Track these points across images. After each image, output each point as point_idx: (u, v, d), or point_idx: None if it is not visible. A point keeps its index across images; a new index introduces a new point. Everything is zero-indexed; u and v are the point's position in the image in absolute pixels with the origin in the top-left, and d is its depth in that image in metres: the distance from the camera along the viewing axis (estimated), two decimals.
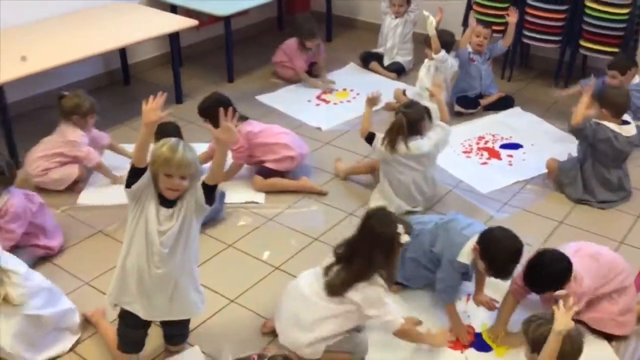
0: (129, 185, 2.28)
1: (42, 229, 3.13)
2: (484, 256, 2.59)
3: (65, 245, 3.26)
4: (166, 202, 2.32)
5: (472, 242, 2.64)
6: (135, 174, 2.27)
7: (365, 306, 2.42)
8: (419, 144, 3.37)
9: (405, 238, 2.41)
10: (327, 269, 2.48)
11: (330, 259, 2.51)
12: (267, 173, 3.73)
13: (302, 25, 4.97)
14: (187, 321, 2.60)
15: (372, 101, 3.55)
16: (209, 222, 3.39)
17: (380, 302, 2.42)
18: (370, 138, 3.48)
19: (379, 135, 3.44)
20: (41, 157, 3.62)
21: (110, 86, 4.90)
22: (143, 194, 2.31)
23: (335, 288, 2.42)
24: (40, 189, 3.60)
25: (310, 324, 2.45)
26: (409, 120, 3.33)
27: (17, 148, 3.87)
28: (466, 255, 2.65)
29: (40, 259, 3.14)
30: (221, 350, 2.64)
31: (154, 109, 2.24)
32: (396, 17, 5.18)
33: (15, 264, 2.58)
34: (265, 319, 2.80)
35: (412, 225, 2.50)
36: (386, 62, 5.28)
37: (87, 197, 3.65)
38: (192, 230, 2.39)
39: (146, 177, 2.28)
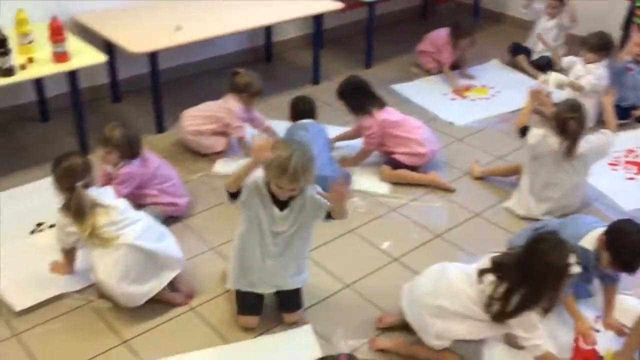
0: (233, 197, 2.40)
1: (164, 189, 3.24)
2: (609, 247, 2.48)
3: (196, 210, 3.42)
4: (279, 202, 2.42)
5: (598, 231, 2.56)
6: (231, 194, 2.39)
7: (516, 326, 2.33)
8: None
9: (575, 269, 2.26)
10: (481, 274, 2.38)
11: (485, 263, 2.40)
12: (396, 165, 3.69)
13: (460, 21, 4.94)
14: (299, 290, 2.67)
15: (535, 95, 3.45)
16: None
17: (533, 326, 2.33)
18: (524, 130, 3.35)
19: (536, 131, 3.31)
20: (198, 116, 3.83)
21: (252, 62, 5.05)
22: (251, 200, 2.42)
23: (501, 315, 2.31)
24: (186, 149, 3.83)
25: (451, 317, 2.39)
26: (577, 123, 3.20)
27: (164, 114, 4.10)
28: (590, 241, 2.55)
29: (172, 219, 3.30)
30: (332, 333, 2.65)
31: (264, 148, 2.29)
32: (551, 19, 4.96)
33: (113, 198, 2.71)
34: (378, 308, 2.78)
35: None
36: (535, 56, 5.09)
37: (223, 166, 3.79)
38: (309, 231, 2.53)
39: (249, 188, 2.38)
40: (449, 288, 2.42)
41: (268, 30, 5.04)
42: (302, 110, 3.63)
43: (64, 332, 2.64)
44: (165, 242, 2.77)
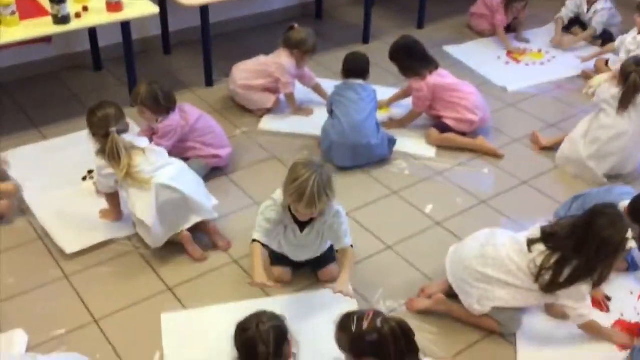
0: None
1: (205, 141, 3.27)
2: (631, 217, 2.42)
3: (240, 165, 3.45)
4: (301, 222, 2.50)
5: (627, 202, 2.51)
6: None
7: (564, 297, 2.32)
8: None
9: (631, 244, 2.23)
10: (531, 244, 2.35)
11: (535, 233, 2.38)
12: (444, 129, 3.63)
13: None
14: (330, 248, 2.70)
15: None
16: (375, 163, 3.43)
17: (581, 297, 2.31)
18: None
19: (601, 76, 3.33)
20: (249, 70, 3.82)
21: (302, 18, 4.98)
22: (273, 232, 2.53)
23: (551, 286, 2.30)
24: (233, 104, 3.86)
25: (495, 284, 2.38)
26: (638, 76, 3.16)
27: (213, 68, 4.11)
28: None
29: (217, 172, 3.34)
30: (371, 293, 2.67)
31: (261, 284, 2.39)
32: None
33: (148, 143, 2.80)
34: (418, 271, 2.79)
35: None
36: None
37: (269, 123, 3.80)
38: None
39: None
40: (497, 254, 2.40)
41: None
42: (354, 68, 3.53)
43: (111, 276, 2.73)
44: (198, 189, 2.83)
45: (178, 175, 2.75)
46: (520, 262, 2.35)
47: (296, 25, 3.80)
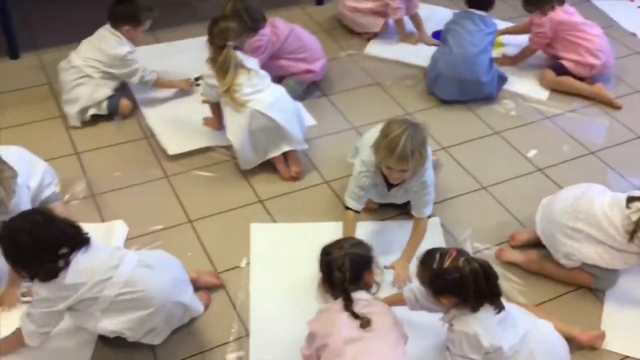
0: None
1: (297, 57, 3.22)
2: None
3: (341, 88, 3.41)
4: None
5: None
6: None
7: None
8: None
9: None
10: (631, 201, 2.23)
11: (637, 192, 2.26)
12: (561, 71, 3.41)
13: None
14: None
15: None
16: (481, 100, 3.30)
17: None
18: None
19: None
20: None
21: None
22: None
23: None
24: (342, 25, 3.81)
25: (584, 240, 2.28)
26: None
27: None
28: None
29: (316, 91, 3.34)
30: (460, 231, 2.63)
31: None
32: None
33: (256, 65, 2.80)
34: (512, 216, 2.70)
35: None
36: None
37: (375, 48, 3.72)
38: None
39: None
40: (589, 208, 2.28)
41: None
42: None
43: (208, 182, 2.83)
44: (293, 117, 2.81)
45: (275, 102, 2.75)
46: (614, 218, 2.22)
47: None
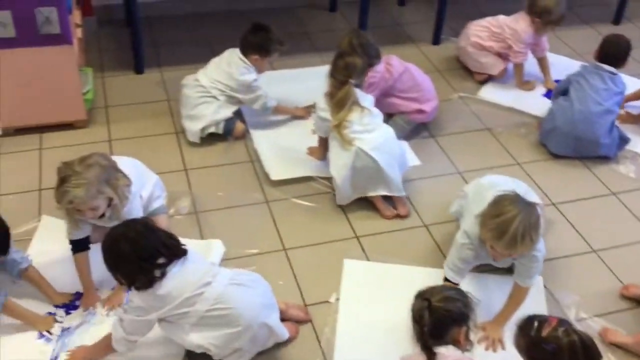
0: None
1: (410, 95, 3.18)
2: None
3: (450, 130, 3.34)
4: None
5: None
6: None
7: None
8: None
9: None
10: None
11: None
12: None
13: None
14: None
15: None
16: (598, 158, 3.13)
17: None
18: None
19: None
20: (485, 28, 3.61)
21: None
22: None
23: None
24: (457, 66, 3.74)
25: None
26: None
27: (443, 25, 4.00)
28: None
29: (423, 131, 3.29)
30: (564, 295, 2.47)
31: None
32: None
33: (370, 104, 2.77)
34: (622, 285, 2.52)
35: None
36: None
37: (489, 92, 3.63)
38: None
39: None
40: None
41: None
42: (612, 53, 3.13)
43: (306, 211, 2.83)
44: (396, 162, 2.77)
45: (382, 144, 2.72)
46: None
47: None
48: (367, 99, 2.80)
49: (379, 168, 2.70)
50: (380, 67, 3.11)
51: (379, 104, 3.06)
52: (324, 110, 2.77)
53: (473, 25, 3.67)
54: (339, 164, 2.74)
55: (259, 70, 3.15)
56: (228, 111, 3.14)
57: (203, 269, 2.04)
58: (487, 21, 3.64)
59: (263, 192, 2.92)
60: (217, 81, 3.10)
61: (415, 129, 3.28)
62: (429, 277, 2.39)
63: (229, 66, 3.10)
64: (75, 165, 2.12)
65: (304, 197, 2.90)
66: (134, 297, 1.98)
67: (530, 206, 2.11)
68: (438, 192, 2.93)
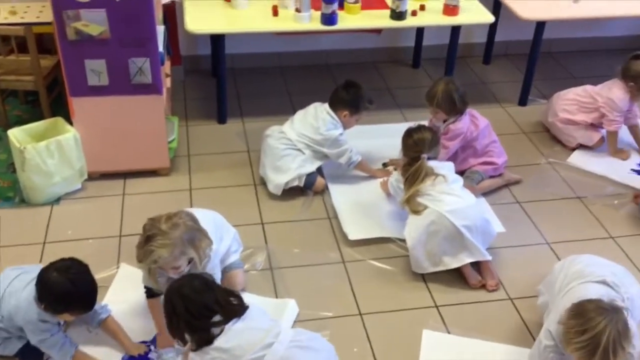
0: None
1: (487, 150, 3.15)
2: None
3: (537, 196, 3.19)
4: None
5: None
6: None
7: None
8: None
9: None
10: None
11: None
12: None
13: None
14: None
15: None
16: None
17: None
18: None
19: None
20: (574, 102, 3.47)
21: None
22: None
23: None
24: (544, 129, 3.61)
25: None
26: None
27: (530, 86, 3.88)
28: None
29: (509, 197, 3.16)
30: None
31: None
32: None
33: (450, 171, 2.73)
34: None
35: None
36: None
37: (580, 158, 3.46)
38: None
39: None
40: None
41: None
42: None
43: (384, 274, 2.73)
44: (477, 230, 2.63)
45: (461, 209, 2.61)
46: None
47: None
48: (445, 167, 2.75)
49: (457, 232, 2.59)
50: (465, 119, 3.08)
51: (456, 156, 3.08)
52: (399, 180, 2.77)
53: (559, 99, 3.53)
54: (413, 225, 2.66)
55: (346, 127, 3.13)
56: (313, 166, 3.11)
57: (265, 327, 1.99)
58: (574, 92, 3.50)
59: (340, 251, 2.84)
60: (303, 135, 3.08)
61: (498, 194, 3.17)
62: (512, 356, 2.24)
63: (315, 120, 3.09)
64: (161, 224, 2.13)
65: (381, 259, 2.80)
66: (194, 356, 1.93)
67: (619, 313, 1.92)
68: (525, 263, 2.78)
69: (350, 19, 3.41)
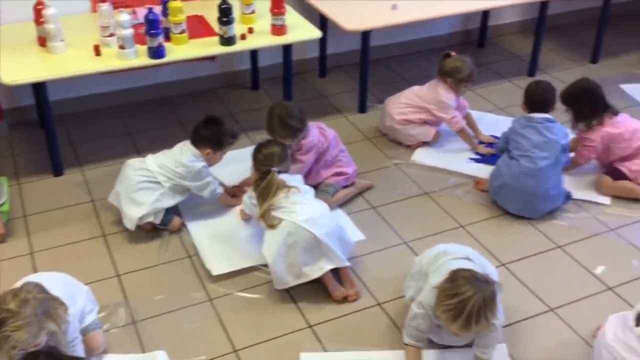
0: None
1: (338, 159, 3.22)
2: None
3: (389, 199, 3.28)
4: None
5: None
6: None
7: None
8: None
9: None
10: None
11: None
12: (618, 176, 3.25)
13: None
14: None
15: None
16: (542, 217, 3.12)
17: None
18: None
19: None
20: (407, 105, 3.61)
21: (463, 46, 4.76)
22: None
23: None
24: (388, 139, 3.72)
25: None
26: None
27: (367, 93, 4.01)
28: None
29: (363, 204, 3.22)
30: (528, 359, 2.40)
31: None
32: None
33: (300, 182, 2.76)
34: (584, 341, 2.47)
35: None
36: None
37: (422, 155, 3.62)
38: None
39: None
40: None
41: (485, 13, 4.72)
42: (540, 99, 3.14)
43: (253, 305, 2.67)
44: (334, 235, 2.66)
45: (316, 217, 2.63)
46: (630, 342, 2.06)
47: (453, 53, 3.58)
48: (295, 179, 2.76)
49: (315, 240, 2.59)
50: (314, 131, 3.12)
51: (310, 171, 3.10)
52: (253, 197, 2.75)
53: (392, 104, 3.68)
54: (271, 241, 2.63)
55: (210, 164, 3.03)
56: (171, 201, 2.97)
57: None
58: (405, 96, 3.65)
59: (205, 289, 2.74)
60: (165, 165, 2.95)
61: (353, 202, 3.22)
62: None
63: (179, 155, 2.97)
64: (8, 303, 1.93)
65: (248, 289, 2.74)
66: None
67: (489, 286, 2.05)
68: (387, 266, 2.84)
69: (179, 50, 3.32)
